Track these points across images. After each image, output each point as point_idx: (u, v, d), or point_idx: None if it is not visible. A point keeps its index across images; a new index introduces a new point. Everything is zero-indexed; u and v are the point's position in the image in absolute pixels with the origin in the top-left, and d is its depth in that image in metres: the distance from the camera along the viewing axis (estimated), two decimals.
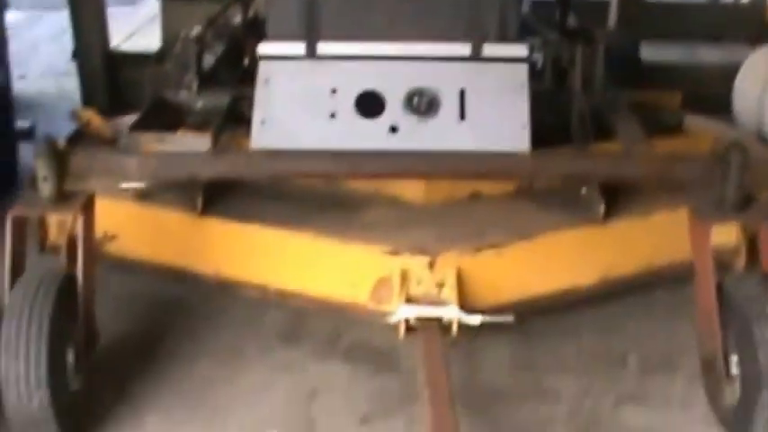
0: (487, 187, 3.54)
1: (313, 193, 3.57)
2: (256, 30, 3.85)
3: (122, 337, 3.28)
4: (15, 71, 4.97)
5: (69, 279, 2.80)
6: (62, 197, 2.88)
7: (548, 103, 3.63)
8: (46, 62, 6.94)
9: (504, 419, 2.93)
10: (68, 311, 2.77)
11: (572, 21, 4.64)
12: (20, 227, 2.87)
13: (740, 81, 5.26)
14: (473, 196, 3.53)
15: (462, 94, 3.03)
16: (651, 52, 6.37)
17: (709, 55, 6.73)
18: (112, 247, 3.45)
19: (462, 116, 3.20)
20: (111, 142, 3.42)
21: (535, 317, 3.28)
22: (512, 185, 3.55)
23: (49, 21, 8.12)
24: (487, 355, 3.24)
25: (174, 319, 3.43)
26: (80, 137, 3.63)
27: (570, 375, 3.15)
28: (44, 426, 2.64)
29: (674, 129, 4.08)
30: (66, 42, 6.21)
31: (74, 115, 2.94)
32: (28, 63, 6.80)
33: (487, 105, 3.22)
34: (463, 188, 3.52)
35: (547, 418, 2.95)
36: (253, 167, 2.84)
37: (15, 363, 2.58)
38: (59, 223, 3.44)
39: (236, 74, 4.08)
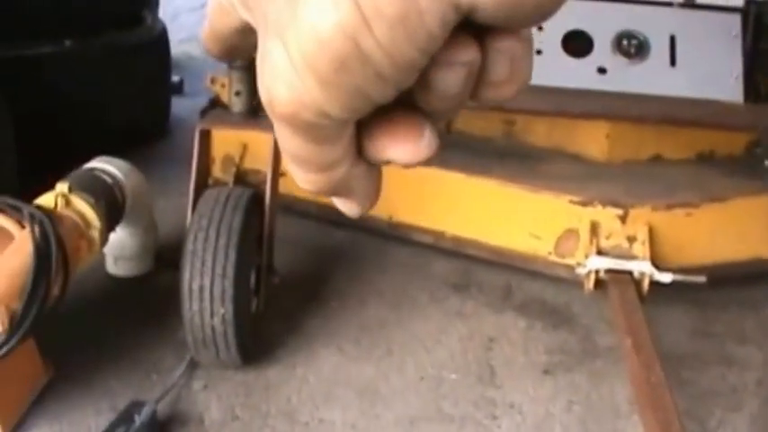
0: (669, 150, 3.37)
1: (491, 145, 3.45)
2: None
3: (290, 275, 3.18)
4: None
5: (256, 197, 2.70)
6: (252, 114, 2.79)
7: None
8: (187, 31, 6.92)
9: (693, 384, 2.77)
10: (254, 230, 2.67)
11: None
12: (206, 140, 2.79)
13: None
14: (655, 158, 3.37)
15: (673, 39, 2.86)
16: None
17: None
18: (281, 186, 3.35)
19: (673, 62, 3.03)
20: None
21: (719, 284, 3.10)
22: (693, 150, 3.38)
23: None
24: (666, 322, 3.07)
25: (341, 262, 3.33)
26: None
27: (753, 346, 2.98)
28: (221, 343, 2.54)
29: None
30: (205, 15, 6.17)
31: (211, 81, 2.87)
32: (170, 30, 6.79)
33: (699, 53, 3.05)
34: (646, 149, 3.37)
35: (736, 385, 2.78)
36: None
37: (201, 274, 2.49)
38: (225, 158, 3.38)
39: None
